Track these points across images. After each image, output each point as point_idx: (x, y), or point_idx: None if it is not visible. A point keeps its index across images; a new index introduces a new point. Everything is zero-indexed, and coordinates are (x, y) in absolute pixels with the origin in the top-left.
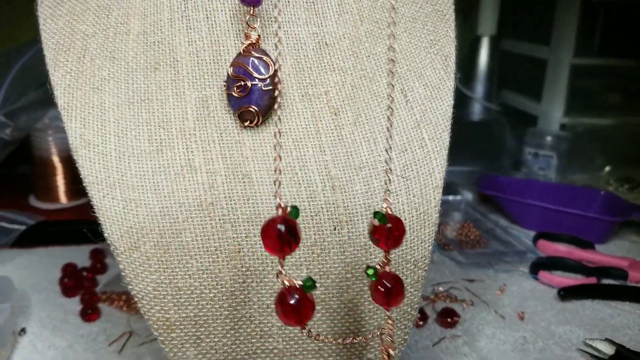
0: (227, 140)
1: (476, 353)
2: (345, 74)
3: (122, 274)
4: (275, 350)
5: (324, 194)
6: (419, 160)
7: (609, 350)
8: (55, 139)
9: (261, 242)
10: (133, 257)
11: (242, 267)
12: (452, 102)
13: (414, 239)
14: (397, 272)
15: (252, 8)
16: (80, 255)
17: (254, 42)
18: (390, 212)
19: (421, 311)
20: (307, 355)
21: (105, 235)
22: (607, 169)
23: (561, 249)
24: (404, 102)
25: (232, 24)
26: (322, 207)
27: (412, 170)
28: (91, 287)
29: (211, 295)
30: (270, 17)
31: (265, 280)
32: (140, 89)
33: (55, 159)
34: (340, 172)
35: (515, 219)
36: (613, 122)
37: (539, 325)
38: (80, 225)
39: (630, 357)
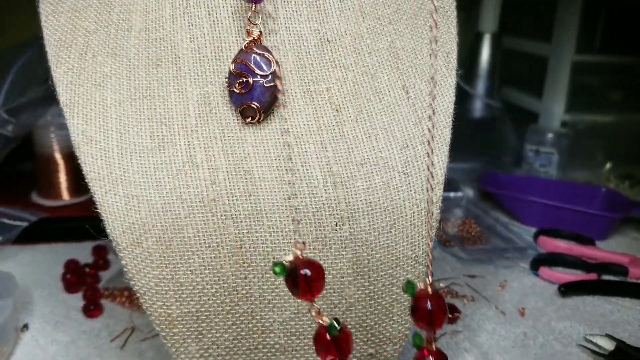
0: (228, 136)
1: (477, 348)
2: (347, 70)
3: (125, 270)
4: (277, 346)
5: (325, 190)
6: (420, 156)
7: (609, 346)
8: (57, 136)
9: (262, 238)
10: (135, 253)
11: (243, 262)
12: (454, 98)
13: (415, 235)
14: (399, 268)
15: (254, 5)
16: (82, 252)
17: (256, 38)
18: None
19: None
20: (309, 351)
21: (108, 231)
22: (608, 166)
23: (562, 246)
24: (405, 98)
25: (233, 20)
26: (323, 204)
27: (414, 167)
28: (93, 283)
29: (213, 290)
30: (272, 14)
31: (267, 275)
32: (142, 85)
33: (58, 156)
34: (341, 168)
35: (516, 216)
36: (614, 120)
37: (539, 321)
38: (82, 221)
39: (630, 352)
